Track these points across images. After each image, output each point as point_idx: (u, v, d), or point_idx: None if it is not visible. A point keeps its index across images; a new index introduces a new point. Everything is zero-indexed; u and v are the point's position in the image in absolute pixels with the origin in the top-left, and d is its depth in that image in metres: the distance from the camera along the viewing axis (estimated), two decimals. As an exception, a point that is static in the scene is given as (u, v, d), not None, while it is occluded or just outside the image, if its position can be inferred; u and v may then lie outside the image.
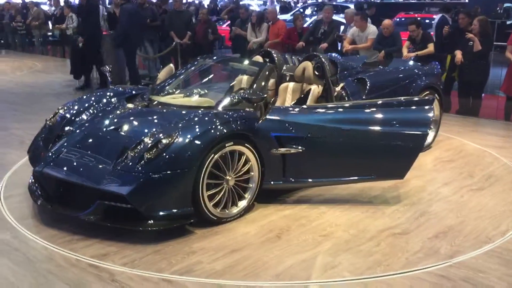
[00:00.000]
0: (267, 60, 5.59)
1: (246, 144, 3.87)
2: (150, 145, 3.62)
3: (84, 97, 4.74)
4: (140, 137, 3.73)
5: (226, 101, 4.13)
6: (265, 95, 4.09)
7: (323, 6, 9.63)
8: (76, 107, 4.47)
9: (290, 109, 4.33)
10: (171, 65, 5.26)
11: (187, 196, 3.60)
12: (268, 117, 4.07)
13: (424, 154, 5.67)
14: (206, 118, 3.82)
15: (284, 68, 5.55)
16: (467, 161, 5.47)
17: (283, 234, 3.69)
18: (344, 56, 7.35)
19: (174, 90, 4.71)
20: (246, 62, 4.93)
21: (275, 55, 5.58)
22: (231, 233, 3.72)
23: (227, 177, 3.82)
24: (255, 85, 4.32)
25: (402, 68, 6.01)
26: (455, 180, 4.86)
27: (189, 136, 3.64)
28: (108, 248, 3.47)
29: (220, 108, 4.03)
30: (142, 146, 3.64)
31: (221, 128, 3.76)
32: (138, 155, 3.58)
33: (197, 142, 3.62)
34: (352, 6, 13.33)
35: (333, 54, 7.03)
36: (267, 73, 4.46)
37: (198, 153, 3.59)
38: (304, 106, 4.32)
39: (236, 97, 4.11)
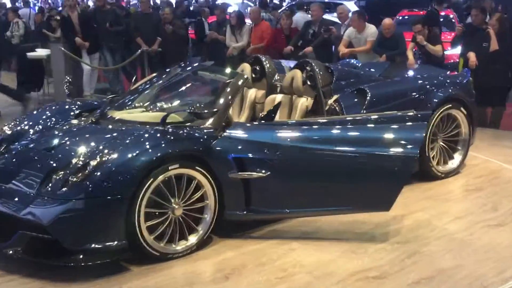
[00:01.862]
0: (257, 68, 5.61)
1: (197, 167, 3.86)
2: (78, 167, 3.67)
3: (35, 112, 4.90)
4: (71, 158, 3.81)
5: (173, 116, 4.15)
6: (216, 110, 4.08)
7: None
8: (24, 123, 4.60)
9: (255, 125, 4.32)
10: (155, 75, 5.33)
11: (120, 227, 3.63)
12: (226, 134, 4.05)
13: (447, 182, 5.50)
14: (146, 136, 3.85)
15: (277, 77, 5.55)
16: (498, 190, 5.24)
17: (234, 275, 3.65)
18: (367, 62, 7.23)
19: (136, 104, 4.78)
20: (221, 71, 4.95)
21: (266, 63, 5.61)
22: (173, 271, 3.72)
23: (173, 206, 3.80)
24: (217, 99, 4.33)
25: (419, 76, 5.84)
26: (471, 214, 4.67)
27: (123, 157, 3.68)
28: (29, 284, 3.52)
29: (166, 124, 4.05)
30: (69, 168, 3.71)
31: (163, 148, 3.77)
32: (63, 179, 3.64)
33: (132, 164, 3.65)
34: (346, 3, 12.74)
35: (352, 61, 7.00)
36: (236, 84, 4.46)
37: (133, 177, 3.61)
38: (272, 122, 4.29)
39: (184, 112, 4.13)
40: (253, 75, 5.60)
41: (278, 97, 5.22)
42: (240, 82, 4.49)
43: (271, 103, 5.18)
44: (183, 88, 5.05)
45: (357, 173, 4.08)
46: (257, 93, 5.50)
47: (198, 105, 4.11)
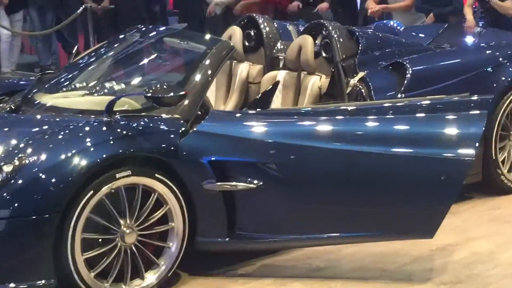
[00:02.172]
0: (251, 33, 5.62)
1: (157, 175, 3.86)
2: (-15, 174, 3.65)
3: None
4: (-23, 162, 3.78)
5: (125, 101, 4.15)
6: (186, 92, 4.05)
7: None
8: None
9: (243, 114, 4.32)
10: (104, 44, 5.36)
11: (47, 259, 3.62)
12: (201, 128, 4.05)
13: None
14: (87, 130, 3.85)
15: (279, 46, 5.57)
16: None
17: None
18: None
19: (76, 85, 4.80)
20: (197, 38, 4.95)
21: (263, 25, 5.62)
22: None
23: (123, 229, 3.81)
24: (189, 77, 4.34)
25: (482, 44, 5.92)
26: (554, 243, 4.64)
27: (52, 159, 3.66)
28: None
29: (113, 112, 4.01)
30: (-26, 176, 3.68)
31: (110, 146, 3.77)
32: (-35, 191, 3.61)
33: (65, 169, 3.63)
34: None
35: (391, 23, 6.97)
36: (217, 56, 4.45)
37: (66, 188, 3.60)
38: (268, 110, 4.32)
39: (140, 96, 4.14)
40: (246, 43, 5.61)
41: (280, 75, 5.21)
42: (222, 54, 4.46)
43: (270, 83, 5.15)
44: (144, 62, 5.06)
45: (389, 184, 4.08)
46: (251, 69, 5.48)
47: (161, 86, 4.04)
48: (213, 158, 4.01)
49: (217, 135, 4.08)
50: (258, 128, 4.16)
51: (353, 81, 4.94)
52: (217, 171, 4.00)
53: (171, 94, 3.98)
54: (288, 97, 5.12)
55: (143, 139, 3.91)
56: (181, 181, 3.91)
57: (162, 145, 3.91)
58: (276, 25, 5.77)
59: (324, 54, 5.14)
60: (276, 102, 5.02)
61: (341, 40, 5.07)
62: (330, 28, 5.16)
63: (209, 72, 4.34)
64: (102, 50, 5.12)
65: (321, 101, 4.95)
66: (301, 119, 4.29)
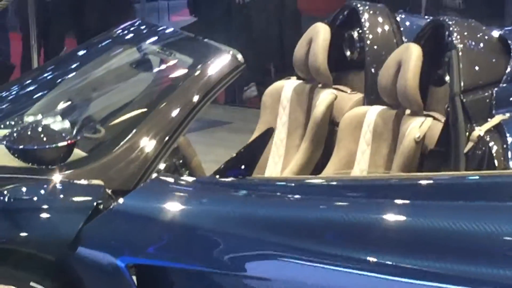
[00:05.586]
0: (356, 35, 4.29)
1: (33, 284, 2.81)
2: None
3: None
4: None
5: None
6: (66, 143, 2.93)
7: None
8: None
9: (202, 184, 3.12)
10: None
11: None
12: (121, 207, 2.95)
13: None
14: None
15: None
16: None
17: None
18: None
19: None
20: (190, 46, 3.74)
21: (367, 19, 4.20)
22: None
23: None
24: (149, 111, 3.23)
25: None
26: None
27: None
28: None
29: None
30: None
31: None
32: None
33: None
34: None
35: None
36: (205, 78, 3.25)
37: None
38: (249, 179, 3.01)
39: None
40: (348, 53, 4.38)
41: (372, 113, 3.91)
42: (218, 74, 3.27)
43: (353, 126, 3.97)
44: (103, 82, 3.91)
45: None
46: (338, 101, 4.23)
47: (44, 128, 3.02)
48: (138, 261, 2.91)
49: (149, 219, 2.92)
50: (226, 210, 2.92)
51: (479, 130, 3.34)
52: (145, 285, 2.94)
53: (39, 146, 3.00)
54: (380, 153, 3.82)
55: (10, 220, 2.93)
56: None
57: (47, 232, 2.87)
58: (399, 20, 4.23)
59: (448, 78, 3.71)
60: (361, 163, 3.68)
61: (468, 53, 3.49)
62: (453, 29, 3.60)
63: (184, 105, 3.21)
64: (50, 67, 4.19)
65: (424, 165, 3.57)
66: (314, 201, 2.92)
